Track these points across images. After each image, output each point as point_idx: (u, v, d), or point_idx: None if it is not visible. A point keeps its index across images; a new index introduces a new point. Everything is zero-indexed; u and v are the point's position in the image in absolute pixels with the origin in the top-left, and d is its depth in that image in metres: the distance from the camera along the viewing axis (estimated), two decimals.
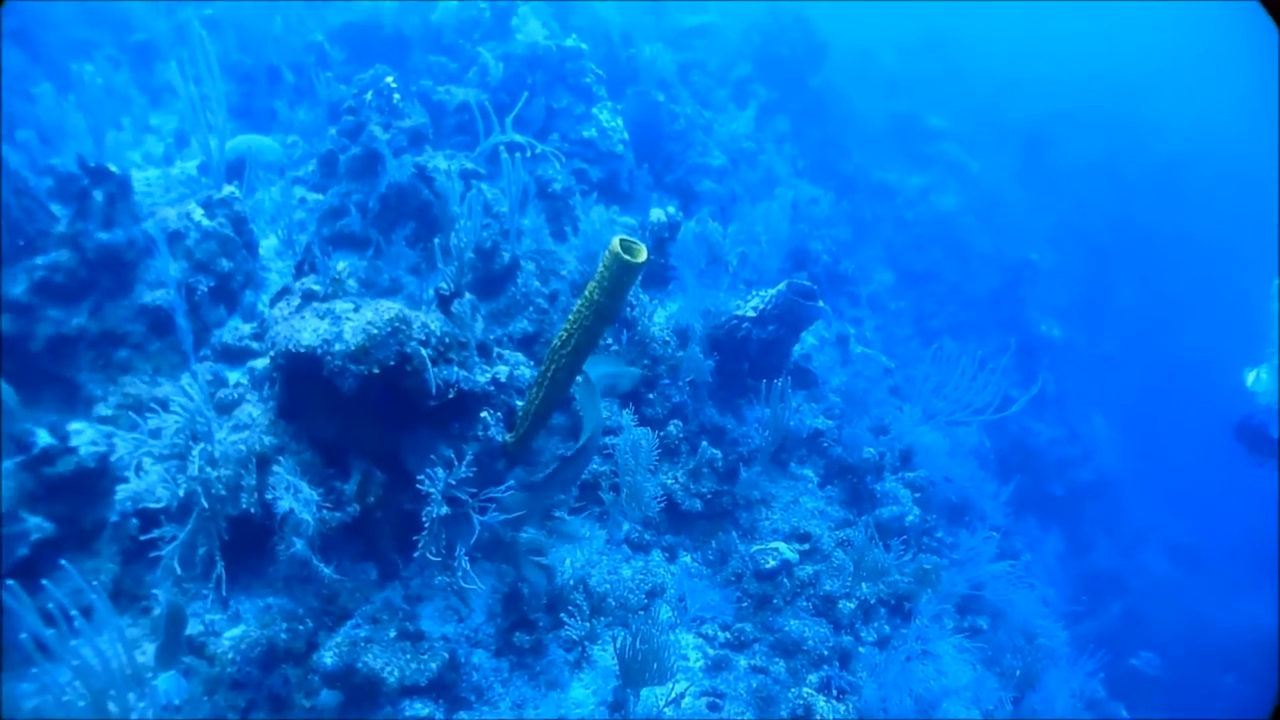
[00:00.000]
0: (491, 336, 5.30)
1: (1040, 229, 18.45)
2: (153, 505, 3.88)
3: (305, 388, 4.14)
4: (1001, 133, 20.64)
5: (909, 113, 19.29)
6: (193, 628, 3.86)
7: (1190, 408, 16.33)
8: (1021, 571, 6.68)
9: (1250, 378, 8.87)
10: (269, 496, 3.96)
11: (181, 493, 3.85)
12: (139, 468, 3.99)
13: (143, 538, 3.86)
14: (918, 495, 6.84)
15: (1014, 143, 20.66)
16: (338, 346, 3.89)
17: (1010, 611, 6.54)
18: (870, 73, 20.34)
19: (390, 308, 4.08)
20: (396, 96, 7.16)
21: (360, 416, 4.20)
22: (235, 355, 5.14)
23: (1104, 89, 23.43)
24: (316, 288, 4.43)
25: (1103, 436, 15.01)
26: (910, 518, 6.51)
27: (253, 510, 3.93)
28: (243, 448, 4.03)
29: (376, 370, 3.90)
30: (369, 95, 7.09)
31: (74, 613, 3.18)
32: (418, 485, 4.06)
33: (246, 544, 4.04)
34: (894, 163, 17.33)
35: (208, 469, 3.85)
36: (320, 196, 6.84)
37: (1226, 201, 20.94)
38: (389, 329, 3.97)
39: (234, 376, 4.90)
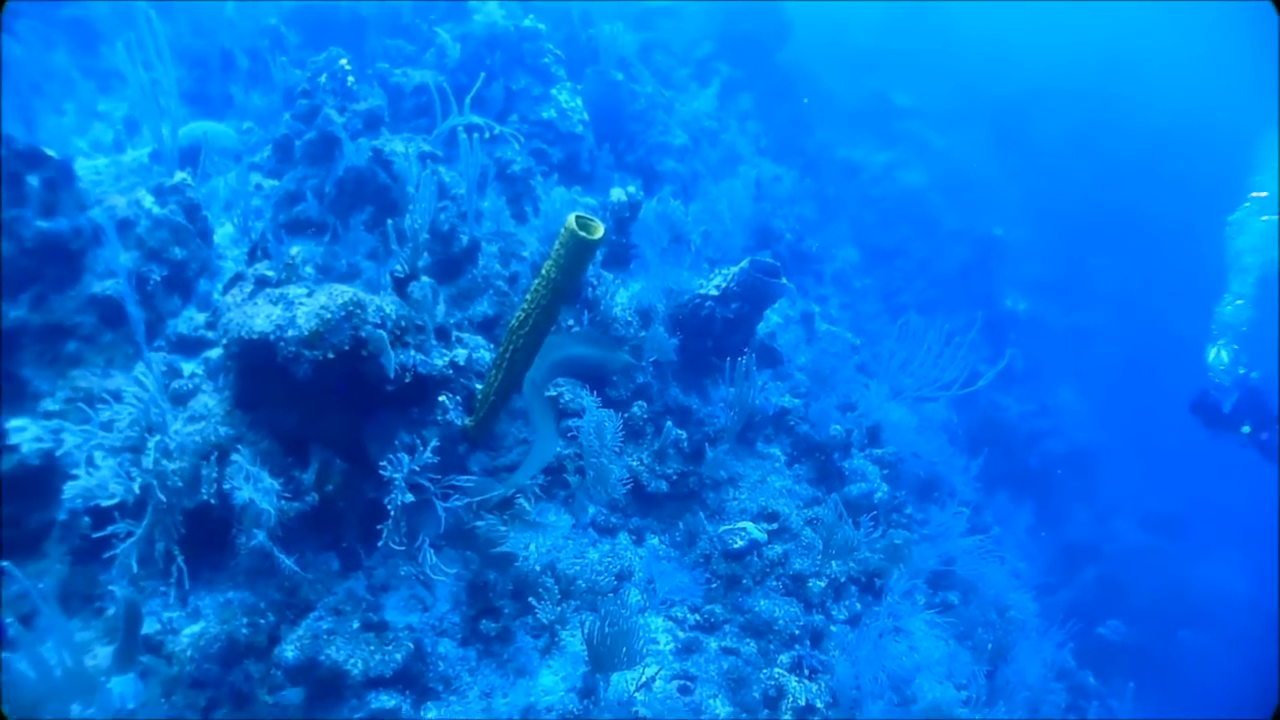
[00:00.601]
0: (451, 320, 5.22)
1: (1012, 205, 18.55)
2: (106, 501, 3.76)
3: (260, 376, 4.06)
4: (974, 110, 20.72)
5: (877, 90, 19.30)
6: (150, 626, 3.76)
7: (1163, 378, 16.45)
8: (992, 545, 6.71)
9: (1211, 354, 9.03)
10: (227, 487, 3.87)
11: (137, 487, 3.76)
12: (90, 462, 3.88)
13: (95, 535, 3.74)
14: (886, 472, 6.85)
15: (986, 120, 20.73)
16: (291, 332, 3.81)
17: (981, 585, 6.55)
18: (838, 50, 20.31)
19: (344, 291, 4.00)
20: (351, 79, 7.03)
21: (317, 403, 4.13)
22: (190, 345, 5.03)
23: (1078, 67, 23.55)
24: (270, 273, 4.35)
25: (1074, 409, 15.14)
26: (879, 495, 6.51)
27: (212, 502, 3.85)
28: (198, 439, 3.95)
29: (331, 355, 3.83)
30: (323, 78, 6.95)
31: (9, 620, 3.08)
32: (379, 472, 3.99)
33: (205, 538, 3.95)
34: (860, 140, 17.35)
35: (164, 461, 3.77)
36: (276, 182, 6.70)
37: (1202, 178, 21.07)
38: (343, 313, 3.89)
39: (189, 367, 4.79)
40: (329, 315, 3.85)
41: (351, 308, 3.93)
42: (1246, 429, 8.57)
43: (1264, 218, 9.40)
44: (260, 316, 3.92)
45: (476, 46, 8.74)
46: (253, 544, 3.85)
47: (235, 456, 3.96)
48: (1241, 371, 8.77)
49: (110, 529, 3.70)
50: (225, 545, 3.99)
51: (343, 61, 7.10)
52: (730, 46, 15.18)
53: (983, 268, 14.71)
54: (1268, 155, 10.06)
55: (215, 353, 4.76)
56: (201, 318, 5.13)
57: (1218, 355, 8.91)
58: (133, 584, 3.81)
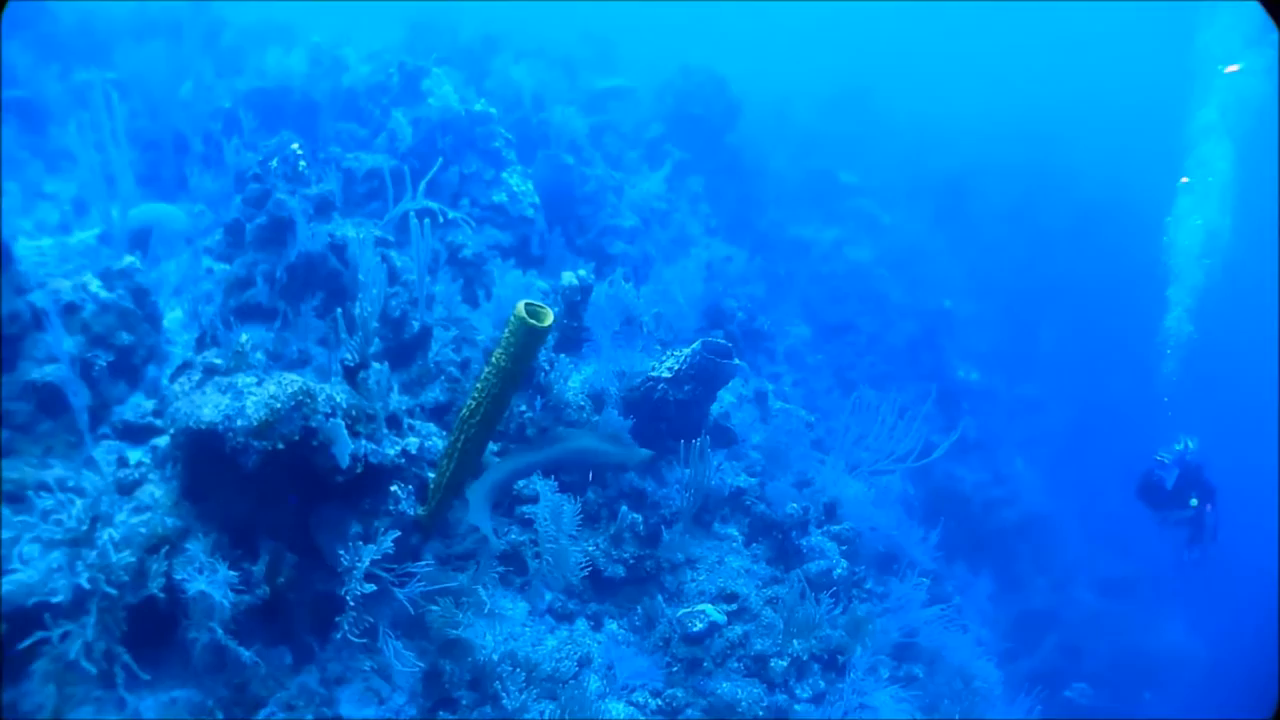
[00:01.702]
0: (403, 407, 5.21)
1: (957, 278, 18.96)
2: (45, 599, 3.63)
3: (208, 466, 4.00)
4: (916, 186, 21.28)
5: (823, 169, 19.73)
6: None
7: (1107, 446, 16.84)
8: (954, 615, 6.77)
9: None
10: (179, 578, 3.78)
11: (85, 581, 3.63)
12: (21, 557, 3.75)
13: (21, 646, 3.47)
14: (845, 548, 6.86)
15: (929, 195, 21.30)
16: (240, 422, 3.78)
17: (945, 655, 6.58)
18: (784, 130, 20.80)
19: (293, 380, 3.98)
20: (302, 164, 7.09)
21: (267, 494, 4.07)
22: (137, 433, 4.94)
23: (1018, 141, 24.35)
24: (218, 361, 4.32)
25: (1027, 478, 15.32)
26: (838, 571, 6.51)
27: (159, 595, 3.75)
28: (144, 530, 3.87)
29: (281, 446, 3.80)
30: (275, 162, 6.99)
31: None
32: (329, 564, 3.94)
33: (147, 635, 3.83)
34: (808, 218, 17.67)
35: (111, 552, 3.68)
36: (227, 266, 6.69)
37: (1138, 245, 21.82)
38: (292, 402, 3.87)
39: (135, 455, 4.71)
40: (278, 405, 3.83)
41: (301, 397, 3.91)
42: (1194, 501, 8.81)
43: (1182, 179, 9.75)
44: (208, 406, 3.89)
45: (429, 130, 8.87)
46: (205, 638, 3.75)
47: (189, 545, 3.89)
48: (1179, 448, 9.03)
49: (41, 634, 3.47)
50: (169, 642, 3.88)
51: (294, 146, 7.16)
52: (680, 128, 15.50)
53: (932, 340, 14.95)
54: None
55: (163, 441, 4.69)
56: (149, 405, 5.06)
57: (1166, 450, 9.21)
58: (59, 690, 3.64)
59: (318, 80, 9.97)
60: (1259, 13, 12.79)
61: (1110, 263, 21.45)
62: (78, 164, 6.11)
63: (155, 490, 4.18)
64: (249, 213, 6.70)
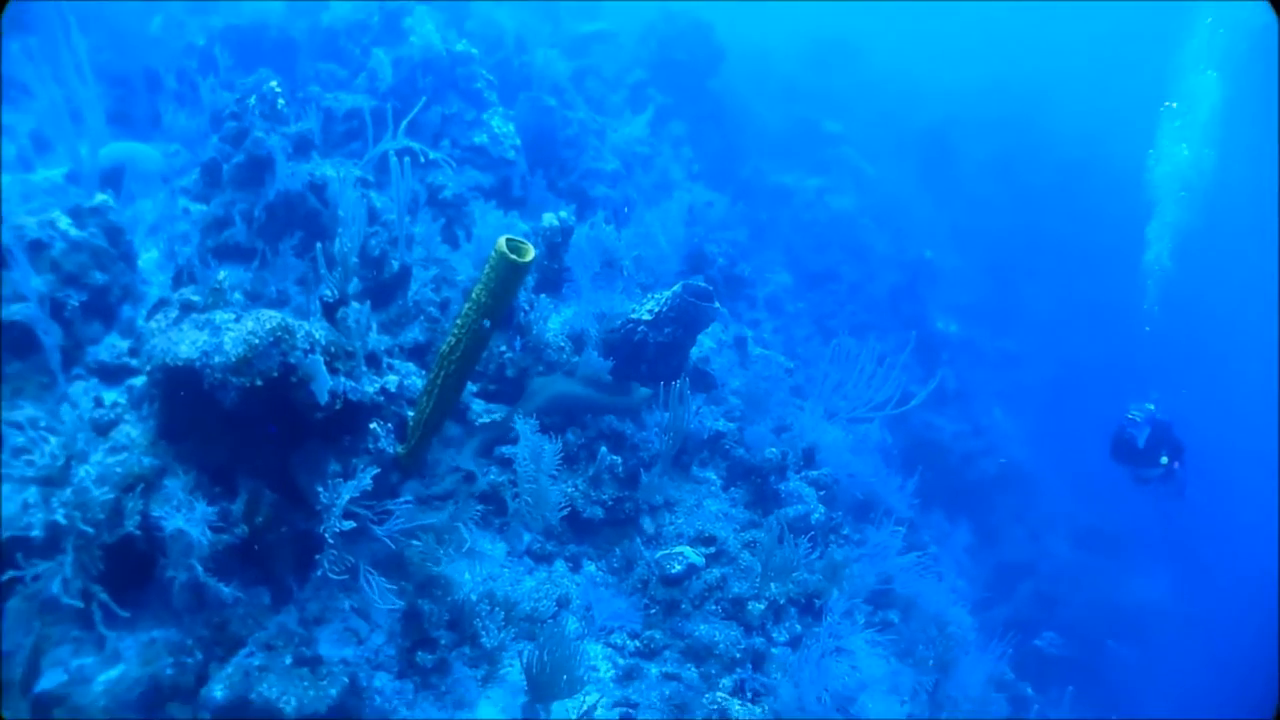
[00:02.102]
0: (382, 346, 5.17)
1: (940, 230, 18.96)
2: (21, 534, 3.60)
3: (186, 404, 3.96)
4: (900, 137, 21.16)
5: (806, 117, 19.59)
6: (54, 679, 3.55)
7: (1090, 398, 16.96)
8: (929, 562, 6.81)
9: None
10: (157, 514, 3.75)
11: (61, 517, 3.61)
12: None
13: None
14: (822, 493, 6.88)
15: (912, 147, 21.19)
16: (218, 358, 3.74)
17: (921, 602, 6.60)
18: (768, 78, 20.62)
19: (272, 316, 3.93)
20: (281, 101, 6.96)
21: (245, 432, 4.04)
22: (112, 373, 4.88)
23: (1002, 96, 24.20)
24: (195, 298, 4.25)
25: (1006, 429, 15.44)
26: (816, 516, 6.54)
27: (136, 533, 3.72)
28: (120, 470, 3.83)
29: (259, 382, 3.75)
30: (253, 100, 6.87)
31: None
32: (309, 502, 3.92)
33: (125, 575, 3.80)
34: (791, 166, 17.56)
35: (88, 489, 3.65)
36: (204, 206, 6.58)
37: (1114, 202, 21.84)
38: (271, 338, 3.82)
39: (111, 396, 4.66)
40: (256, 341, 3.78)
41: (280, 333, 3.86)
42: (1165, 459, 8.95)
43: (1168, 104, 9.79)
44: (186, 343, 3.84)
45: (410, 70, 8.72)
46: (184, 577, 3.73)
47: (167, 483, 3.86)
48: (1151, 408, 9.16)
49: (13, 573, 3.46)
50: (147, 582, 3.86)
51: (273, 84, 7.03)
52: (663, 73, 15.34)
53: (913, 291, 14.94)
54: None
55: (139, 380, 4.64)
56: (124, 345, 4.99)
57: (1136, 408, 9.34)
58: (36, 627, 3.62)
59: (296, 19, 9.77)
60: None
61: (1092, 218, 21.48)
62: (33, 96, 5.91)
63: (131, 430, 4.14)
64: (226, 151, 6.59)
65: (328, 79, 9.12)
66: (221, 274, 4.46)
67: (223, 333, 3.84)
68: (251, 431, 4.01)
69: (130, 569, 3.79)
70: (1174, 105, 9.71)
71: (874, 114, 21.40)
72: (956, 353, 14.88)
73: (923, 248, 15.88)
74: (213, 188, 6.68)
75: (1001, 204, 21.37)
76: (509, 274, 4.12)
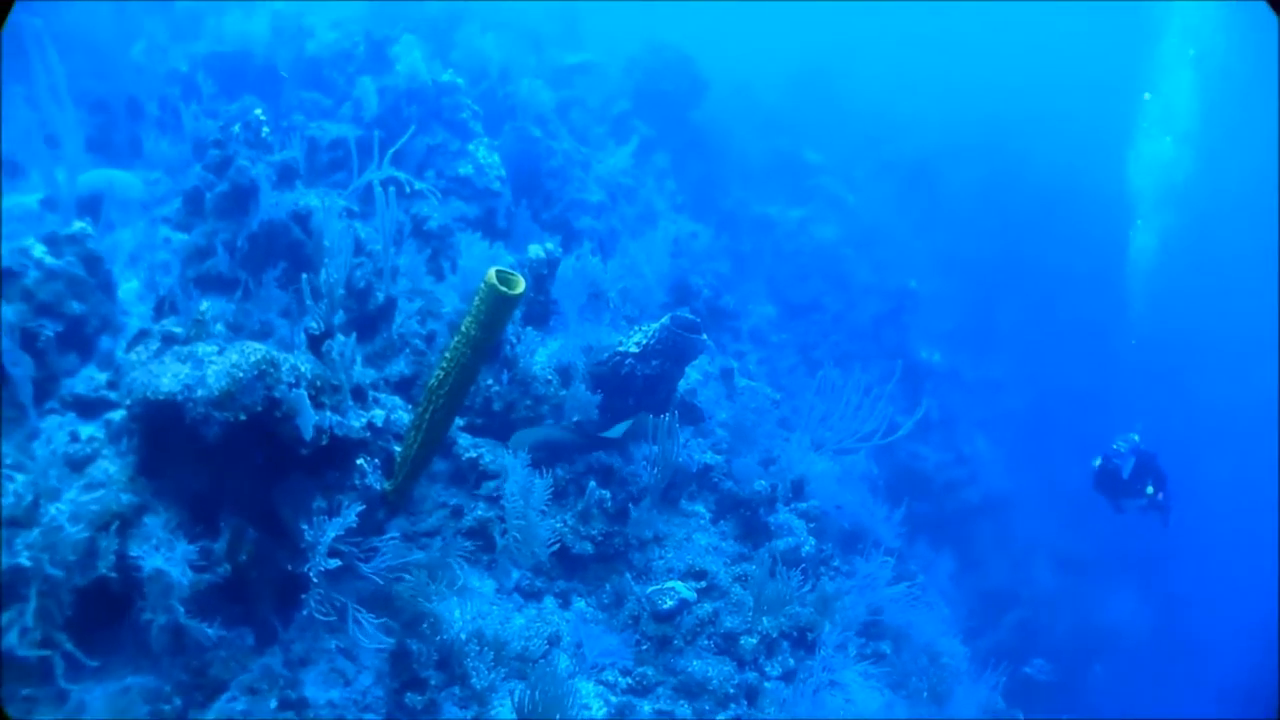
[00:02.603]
0: (367, 379, 5.07)
1: (921, 258, 19.01)
2: None
3: (167, 439, 3.85)
4: (879, 167, 21.26)
5: (787, 148, 19.67)
6: None
7: (1066, 427, 17.07)
8: (919, 592, 6.80)
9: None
10: (135, 553, 3.62)
11: (25, 560, 3.44)
12: None
13: None
14: (812, 525, 6.85)
15: (892, 176, 21.29)
16: (200, 392, 3.64)
17: (911, 633, 6.62)
18: (750, 109, 20.68)
19: (256, 349, 3.84)
20: (266, 129, 6.89)
21: (228, 468, 3.93)
22: (89, 407, 4.73)
23: (980, 123, 24.47)
24: (177, 330, 4.15)
25: (988, 457, 15.45)
26: (806, 548, 6.50)
27: (111, 575, 3.59)
28: (96, 507, 3.71)
29: (243, 417, 3.66)
30: (236, 128, 6.79)
31: None
32: (294, 540, 3.81)
33: (97, 619, 3.63)
34: (773, 197, 17.60)
35: (58, 529, 3.52)
36: (185, 236, 6.47)
37: (1095, 230, 22.11)
38: (255, 372, 3.73)
39: (87, 430, 4.52)
40: (240, 374, 3.69)
41: (265, 366, 3.77)
42: (1150, 489, 9.01)
43: (1145, 95, 9.89)
44: (167, 376, 3.74)
45: (395, 99, 8.67)
46: (163, 619, 3.59)
47: (146, 519, 3.73)
48: (1135, 438, 9.24)
49: None
50: (121, 627, 3.71)
51: (257, 111, 6.96)
52: (647, 104, 15.37)
53: (896, 319, 14.95)
54: None
55: (118, 414, 4.52)
56: (103, 377, 4.85)
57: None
58: None
59: (280, 47, 9.70)
60: None
61: (1071, 243, 21.74)
62: (3, 118, 5.78)
63: (109, 466, 4.01)
64: (209, 180, 6.49)
65: (312, 108, 9.05)
66: (204, 305, 4.36)
67: (206, 365, 3.74)
68: (235, 467, 3.91)
69: (103, 613, 3.64)
70: (1149, 98, 9.83)
71: (854, 143, 21.53)
72: (940, 381, 14.91)
73: (905, 276, 15.92)
74: (195, 216, 6.57)
75: (981, 230, 21.52)
76: (498, 306, 4.05)
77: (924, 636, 6.63)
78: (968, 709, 6.12)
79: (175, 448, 3.84)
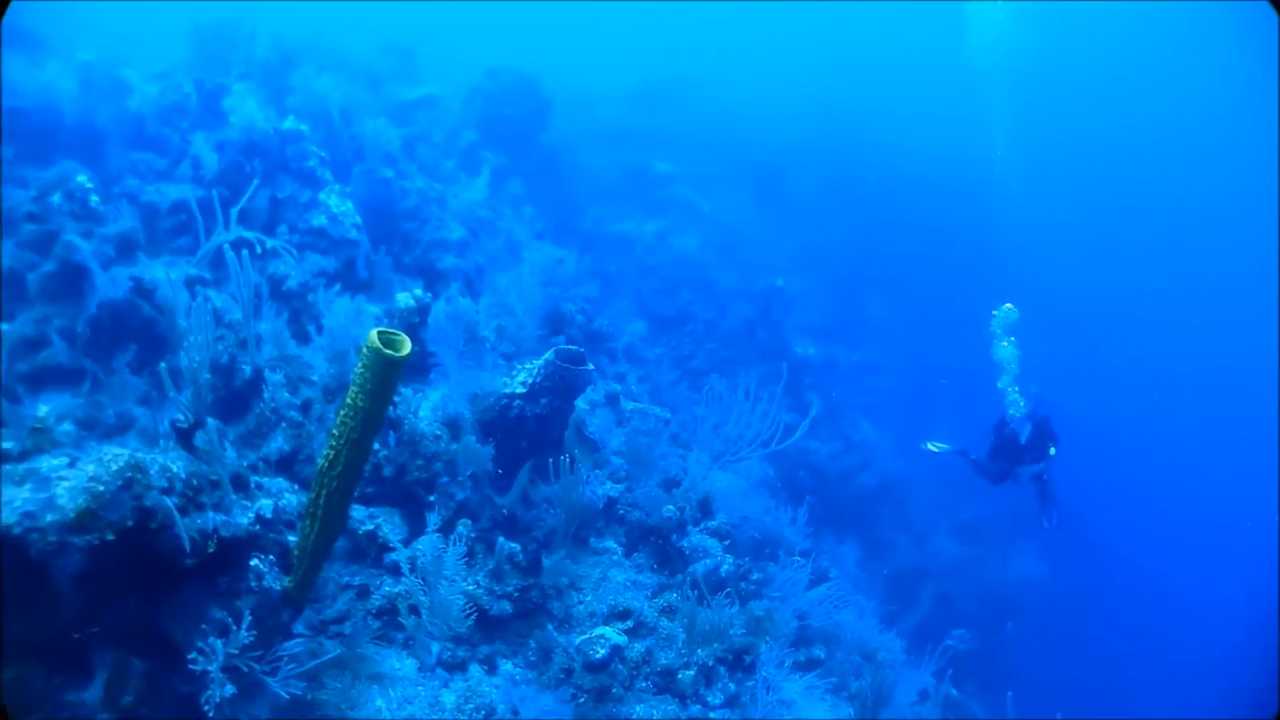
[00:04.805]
0: (245, 463, 4.66)
1: (783, 256, 19.28)
2: None
3: (10, 580, 3.32)
4: (731, 171, 21.50)
5: (638, 161, 19.70)
6: None
7: (948, 399, 17.54)
8: (839, 591, 6.86)
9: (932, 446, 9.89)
10: None
11: None
12: None
13: None
14: (726, 543, 6.74)
15: (745, 179, 21.59)
16: (50, 517, 3.15)
17: (841, 634, 6.68)
18: (597, 126, 20.67)
19: (118, 455, 3.39)
20: (94, 198, 6.33)
21: (99, 597, 3.40)
22: None
23: (824, 118, 25.20)
24: (8, 445, 3.63)
25: (876, 442, 15.66)
26: (725, 567, 6.39)
27: None
28: None
29: (111, 536, 3.23)
30: (56, 198, 6.20)
31: None
32: (189, 665, 3.38)
33: None
34: (630, 212, 17.57)
35: None
36: (7, 326, 5.84)
37: (946, 214, 22.94)
38: (120, 481, 3.29)
39: None
40: (102, 488, 3.24)
41: (130, 474, 3.34)
42: (1053, 450, 9.19)
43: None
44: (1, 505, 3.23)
45: (235, 154, 8.10)
46: None
47: None
48: (1022, 404, 9.42)
49: None
50: None
51: (81, 179, 6.39)
52: (493, 132, 15.13)
53: (768, 320, 15.00)
54: None
55: None
56: None
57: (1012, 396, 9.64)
58: None
59: (97, 104, 8.91)
60: None
61: (922, 226, 22.47)
62: None
63: None
64: (29, 259, 5.88)
65: (146, 170, 8.36)
66: (43, 409, 3.86)
67: (54, 484, 3.25)
68: (108, 594, 3.41)
69: None
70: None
71: (702, 150, 21.70)
72: (819, 374, 15.11)
73: (770, 275, 16.05)
74: (17, 302, 5.91)
75: (836, 222, 22.03)
76: (386, 372, 3.72)
77: (854, 635, 6.72)
78: (909, 697, 6.31)
79: (22, 588, 3.25)
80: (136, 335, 5.57)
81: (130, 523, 3.27)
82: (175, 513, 3.36)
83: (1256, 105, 24.83)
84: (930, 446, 10.42)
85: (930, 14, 30.06)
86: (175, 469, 3.55)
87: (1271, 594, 16.44)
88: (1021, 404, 9.45)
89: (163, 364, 4.26)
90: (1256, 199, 27.29)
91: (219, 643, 3.41)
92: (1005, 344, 9.92)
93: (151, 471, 3.42)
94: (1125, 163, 30.95)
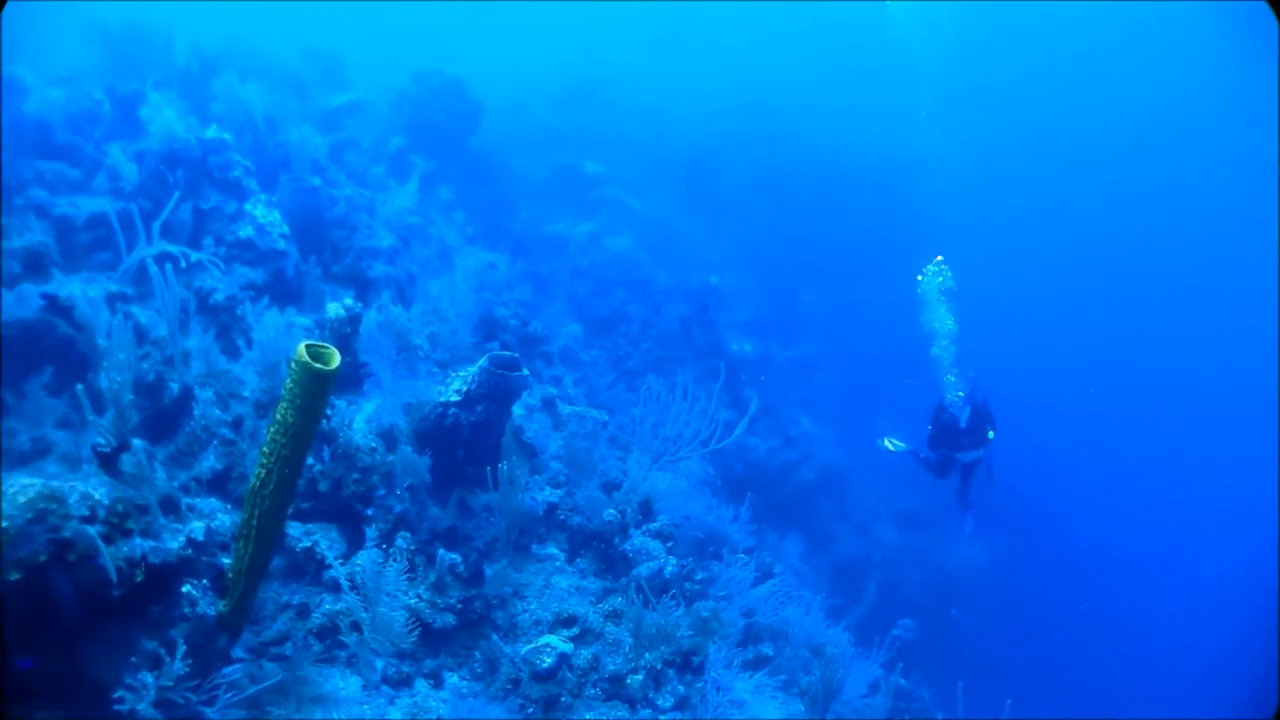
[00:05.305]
0: (176, 484, 4.53)
1: (716, 253, 19.40)
2: None
3: None
4: (660, 169, 21.57)
5: (567, 163, 19.67)
6: None
7: (884, 389, 17.73)
8: (785, 587, 6.95)
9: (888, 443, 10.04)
10: None
11: None
12: None
13: None
14: (669, 544, 6.73)
15: (675, 177, 21.67)
16: None
17: (787, 628, 6.74)
18: (523, 129, 20.60)
19: (29, 485, 3.23)
20: None
21: (13, 643, 3.23)
22: None
23: (752, 113, 25.34)
24: None
25: (814, 435, 15.80)
26: (669, 569, 6.37)
27: None
28: None
29: (17, 575, 3.08)
30: None
31: None
32: (115, 705, 3.25)
33: None
34: (561, 214, 17.56)
35: None
36: None
37: (876, 204, 23.21)
38: (30, 514, 3.14)
39: None
40: (7, 524, 3.09)
41: (44, 504, 3.18)
42: (992, 434, 9.34)
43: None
44: None
45: (156, 164, 7.87)
46: None
47: None
48: (961, 394, 9.56)
49: None
50: None
51: None
52: (422, 137, 14.98)
53: (703, 317, 15.04)
54: None
55: None
56: None
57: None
58: None
59: None
60: None
61: (853, 218, 22.74)
62: None
63: None
64: None
65: (56, 181, 8.06)
66: None
67: None
68: (23, 638, 3.23)
69: None
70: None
71: (632, 149, 21.76)
72: (755, 370, 15.20)
73: (704, 273, 16.12)
74: None
75: (767, 217, 22.21)
76: (315, 386, 3.64)
77: (801, 630, 6.77)
78: (859, 690, 6.36)
79: None
80: (53, 355, 5.37)
81: (44, 557, 3.13)
82: (99, 542, 3.24)
83: (1257, 105, 25.40)
84: (887, 444, 10.51)
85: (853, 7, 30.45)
86: (98, 496, 3.42)
87: (1239, 581, 17.08)
88: (960, 392, 9.59)
89: (79, 385, 4.11)
90: (1258, 199, 27.98)
91: (150, 676, 3.29)
92: (939, 308, 10.05)
93: (70, 500, 3.29)
94: (1113, 162, 31.78)
